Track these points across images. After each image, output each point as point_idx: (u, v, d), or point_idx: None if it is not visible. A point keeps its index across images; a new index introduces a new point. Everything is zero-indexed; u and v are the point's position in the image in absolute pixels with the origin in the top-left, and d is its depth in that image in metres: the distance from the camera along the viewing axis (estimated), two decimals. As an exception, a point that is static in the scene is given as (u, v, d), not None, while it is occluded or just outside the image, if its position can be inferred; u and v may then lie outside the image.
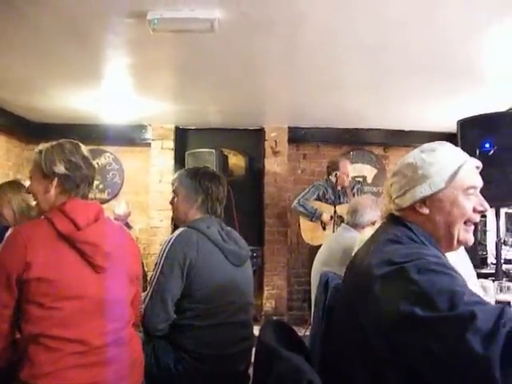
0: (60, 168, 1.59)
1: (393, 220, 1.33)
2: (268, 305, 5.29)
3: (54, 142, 1.64)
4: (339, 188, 4.56)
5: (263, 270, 5.27)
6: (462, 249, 1.37)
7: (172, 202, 2.21)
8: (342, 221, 4.12)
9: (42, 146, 1.64)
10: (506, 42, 2.96)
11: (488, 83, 3.76)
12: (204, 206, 2.12)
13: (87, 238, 1.54)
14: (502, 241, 4.30)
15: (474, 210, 1.26)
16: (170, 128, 5.40)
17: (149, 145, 5.43)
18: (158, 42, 2.91)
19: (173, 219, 2.29)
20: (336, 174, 4.43)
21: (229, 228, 2.20)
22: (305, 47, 3.06)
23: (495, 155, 3.08)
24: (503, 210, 4.06)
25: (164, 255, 1.96)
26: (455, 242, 1.27)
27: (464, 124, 3.41)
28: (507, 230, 4.71)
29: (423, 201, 1.25)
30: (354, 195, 4.54)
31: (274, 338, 1.25)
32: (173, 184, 2.21)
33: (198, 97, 4.34)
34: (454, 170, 1.24)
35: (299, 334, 1.50)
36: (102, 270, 1.57)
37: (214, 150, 4.78)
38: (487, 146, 3.13)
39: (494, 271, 3.45)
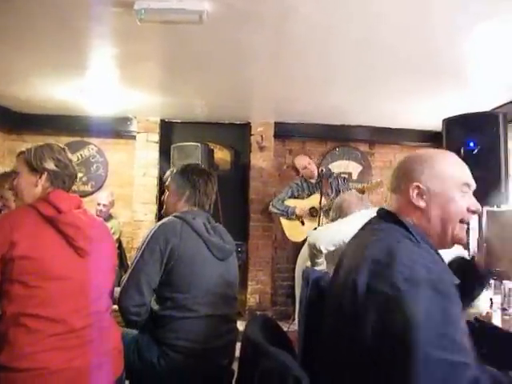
0: (50, 164, 1.69)
1: (386, 216, 1.32)
2: (252, 300, 5.29)
3: (41, 143, 1.75)
4: (312, 181, 4.77)
5: (247, 265, 5.26)
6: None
7: (164, 199, 2.26)
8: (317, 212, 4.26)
9: (29, 146, 1.74)
10: (491, 43, 2.99)
11: (473, 83, 3.80)
12: (191, 200, 2.15)
13: (69, 220, 1.61)
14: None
15: (468, 210, 1.28)
16: (155, 121, 5.35)
17: (133, 137, 5.37)
18: (145, 32, 2.87)
19: (159, 214, 2.30)
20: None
21: (216, 223, 2.22)
22: (293, 42, 3.05)
23: (479, 154, 3.12)
24: (486, 209, 4.11)
25: (147, 241, 1.98)
26: (449, 239, 1.29)
27: (449, 123, 3.44)
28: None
29: (421, 194, 1.27)
30: (330, 185, 4.60)
31: (259, 333, 1.24)
32: (165, 181, 2.25)
33: (185, 90, 4.30)
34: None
35: (284, 329, 1.50)
36: (85, 253, 1.64)
37: (199, 144, 4.74)
38: (471, 144, 3.17)
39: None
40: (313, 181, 4.76)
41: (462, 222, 1.29)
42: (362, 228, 1.38)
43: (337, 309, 1.20)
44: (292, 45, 3.10)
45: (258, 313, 4.98)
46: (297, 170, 4.84)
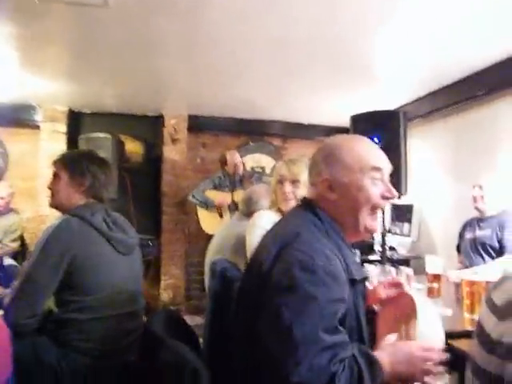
0: None
1: (304, 204, 1.33)
2: (165, 295, 5.22)
3: None
4: (236, 177, 4.76)
5: (160, 259, 5.18)
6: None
7: (51, 187, 2.05)
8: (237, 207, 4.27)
9: None
10: (395, 43, 3.14)
11: (381, 81, 3.98)
12: (90, 191, 2.01)
13: None
14: (387, 230, 4.62)
15: (383, 197, 1.26)
16: (62, 110, 5.07)
17: (38, 127, 5.05)
18: (47, 13, 2.68)
19: (52, 206, 2.10)
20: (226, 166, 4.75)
21: (116, 214, 2.10)
22: (206, 32, 3.00)
23: (382, 150, 3.27)
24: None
25: (41, 246, 1.81)
26: (362, 229, 1.27)
27: (356, 119, 3.60)
28: (392, 219, 5.06)
29: (330, 187, 1.26)
30: (252, 184, 4.63)
31: (160, 327, 1.21)
32: (53, 166, 2.05)
33: (94, 78, 4.10)
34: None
35: (198, 323, 1.48)
36: None
37: (109, 136, 4.58)
38: (376, 140, 3.32)
39: (379, 257, 3.70)
40: (235, 177, 4.78)
41: (374, 209, 1.26)
42: (284, 217, 1.39)
43: (246, 291, 1.21)
44: (205, 36, 3.06)
45: (172, 308, 4.93)
46: (224, 163, 4.84)
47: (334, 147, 1.30)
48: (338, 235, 1.24)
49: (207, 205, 4.71)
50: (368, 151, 1.29)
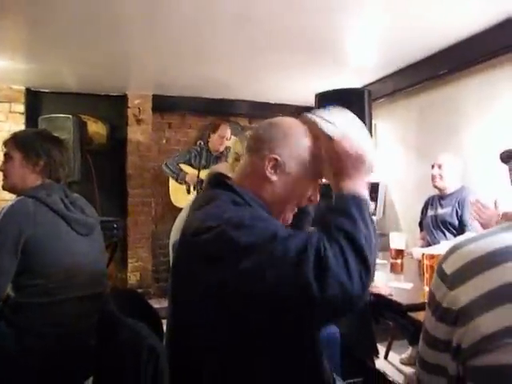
0: None
1: (214, 182, 1.27)
2: (133, 278, 5.17)
3: None
4: (214, 153, 4.71)
5: (127, 242, 5.11)
6: None
7: (3, 168, 1.98)
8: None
9: None
10: (360, 22, 3.13)
11: (346, 60, 3.97)
12: (45, 171, 1.95)
13: None
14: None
15: (308, 199, 1.27)
16: (19, 89, 4.87)
17: (-6, 107, 4.86)
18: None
19: (5, 188, 2.03)
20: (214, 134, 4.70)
21: (76, 195, 2.05)
22: (171, 9, 2.91)
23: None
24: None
25: None
26: (280, 219, 1.24)
27: (321, 97, 3.60)
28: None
29: (275, 168, 1.20)
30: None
31: (118, 307, 1.19)
32: (4, 147, 1.98)
33: (53, 56, 3.94)
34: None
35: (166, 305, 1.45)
36: None
37: (71, 116, 4.43)
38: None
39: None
40: (213, 154, 4.75)
41: (297, 205, 1.27)
42: (198, 199, 1.34)
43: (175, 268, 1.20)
44: (170, 13, 2.97)
45: (140, 290, 4.89)
46: (213, 131, 4.77)
47: (296, 134, 1.24)
48: (262, 208, 1.19)
49: (178, 177, 4.71)
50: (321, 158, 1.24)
